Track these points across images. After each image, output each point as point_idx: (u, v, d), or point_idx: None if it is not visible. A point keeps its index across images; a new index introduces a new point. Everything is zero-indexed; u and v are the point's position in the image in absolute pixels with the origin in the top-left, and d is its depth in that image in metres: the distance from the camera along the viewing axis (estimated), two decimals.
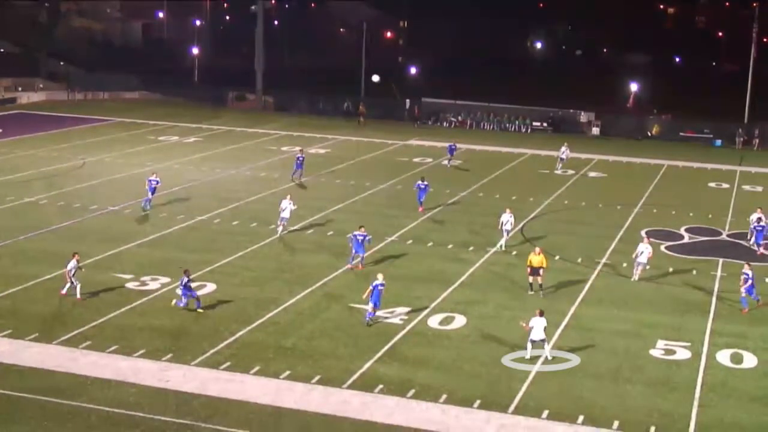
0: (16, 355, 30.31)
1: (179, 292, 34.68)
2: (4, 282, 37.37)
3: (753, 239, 47.31)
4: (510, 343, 32.79)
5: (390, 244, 45.62)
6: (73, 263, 35.62)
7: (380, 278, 34.21)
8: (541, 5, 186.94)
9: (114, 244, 43.60)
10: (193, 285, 35.11)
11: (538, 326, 31.20)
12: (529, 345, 31.56)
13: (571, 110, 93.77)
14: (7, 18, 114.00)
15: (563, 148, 68.81)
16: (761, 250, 46.33)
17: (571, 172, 67.47)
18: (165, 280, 38.25)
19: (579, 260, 43.97)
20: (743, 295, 37.07)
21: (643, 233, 42.15)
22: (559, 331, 34.05)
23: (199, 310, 34.70)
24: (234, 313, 35.00)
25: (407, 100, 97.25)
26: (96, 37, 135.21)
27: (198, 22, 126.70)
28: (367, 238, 40.85)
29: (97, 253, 41.96)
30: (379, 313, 34.77)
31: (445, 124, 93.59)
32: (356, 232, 40.97)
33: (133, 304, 35.56)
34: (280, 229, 46.00)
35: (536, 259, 37.98)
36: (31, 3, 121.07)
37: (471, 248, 45.21)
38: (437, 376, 30.04)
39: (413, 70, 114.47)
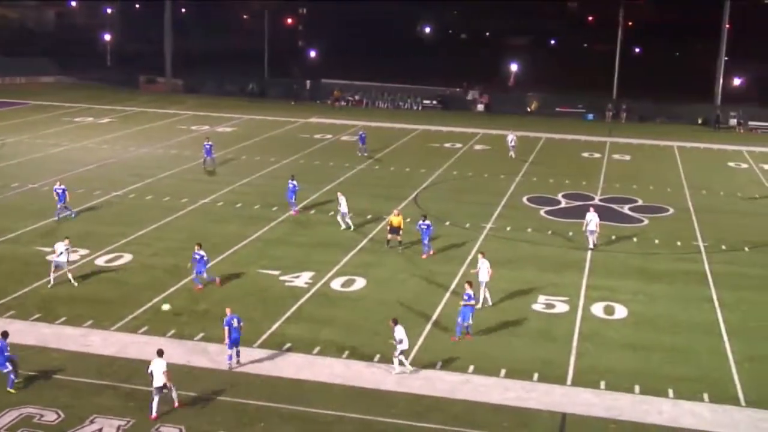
0: None
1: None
2: None
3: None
4: (405, 301, 33.13)
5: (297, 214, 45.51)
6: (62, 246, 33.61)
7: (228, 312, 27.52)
8: None
9: (35, 219, 42.60)
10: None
11: (483, 267, 32.63)
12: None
13: (459, 89, 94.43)
14: None
15: (510, 136, 64.17)
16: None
17: (458, 145, 68.04)
18: (84, 252, 37.53)
19: (467, 225, 44.45)
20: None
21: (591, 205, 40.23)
22: (449, 291, 34.45)
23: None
24: (149, 281, 34.57)
25: (308, 81, 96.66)
26: (12, 24, 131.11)
27: (109, 10, 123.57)
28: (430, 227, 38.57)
29: (19, 228, 40.99)
30: (284, 277, 34.80)
31: (342, 103, 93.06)
32: (420, 222, 38.69)
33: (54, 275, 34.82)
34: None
35: (396, 219, 39.31)
36: None
37: (369, 216, 45.29)
38: (340, 333, 30.20)
39: (312, 54, 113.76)
